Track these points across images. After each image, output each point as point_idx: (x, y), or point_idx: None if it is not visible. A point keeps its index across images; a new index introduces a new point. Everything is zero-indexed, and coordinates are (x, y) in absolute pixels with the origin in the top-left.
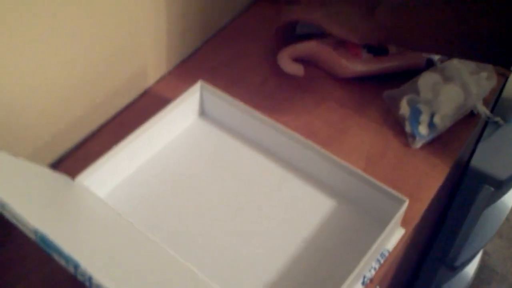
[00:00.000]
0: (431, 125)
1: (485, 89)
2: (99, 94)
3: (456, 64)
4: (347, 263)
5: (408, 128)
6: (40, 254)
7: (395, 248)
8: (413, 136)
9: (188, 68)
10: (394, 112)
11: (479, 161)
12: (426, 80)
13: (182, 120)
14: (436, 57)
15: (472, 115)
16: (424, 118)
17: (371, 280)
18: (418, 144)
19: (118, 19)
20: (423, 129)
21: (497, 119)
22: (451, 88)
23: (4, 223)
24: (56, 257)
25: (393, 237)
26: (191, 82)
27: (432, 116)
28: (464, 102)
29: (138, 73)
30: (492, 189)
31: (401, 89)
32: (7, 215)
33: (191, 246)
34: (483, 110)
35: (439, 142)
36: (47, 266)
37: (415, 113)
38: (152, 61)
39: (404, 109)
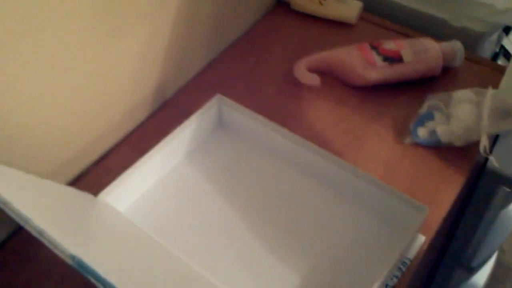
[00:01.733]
0: (433, 133)
1: (497, 128)
2: (119, 109)
3: (492, 95)
4: (369, 272)
5: (411, 125)
6: (61, 270)
7: (416, 255)
8: (411, 133)
9: (205, 79)
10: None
11: (495, 162)
12: (462, 95)
13: (201, 132)
14: None
15: None
16: (431, 124)
17: None
18: (407, 140)
19: (136, 35)
20: (421, 132)
21: (491, 158)
22: (468, 109)
23: (28, 239)
24: (92, 280)
25: (414, 245)
26: (207, 94)
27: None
28: (473, 127)
29: (157, 86)
30: (509, 190)
31: (446, 93)
32: (44, 240)
33: (212, 258)
34: (483, 145)
35: (455, 148)
36: (68, 282)
37: (427, 116)
38: (170, 74)
39: (422, 110)
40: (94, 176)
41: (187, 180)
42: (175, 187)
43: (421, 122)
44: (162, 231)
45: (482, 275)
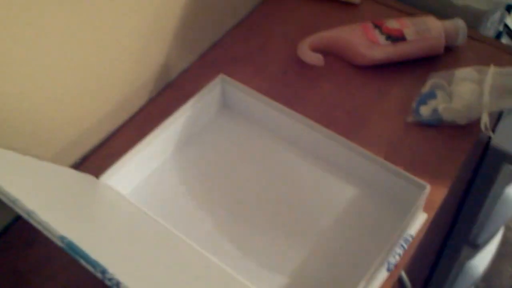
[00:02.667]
0: (435, 111)
1: (499, 105)
2: (123, 90)
3: (494, 72)
4: (371, 250)
5: (413, 104)
6: (67, 255)
7: (418, 233)
8: (413, 112)
9: (209, 60)
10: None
11: (499, 140)
12: (464, 73)
13: (205, 113)
14: None
15: None
16: (433, 103)
17: (396, 266)
18: (410, 119)
19: (140, 15)
20: (424, 110)
21: (492, 135)
22: (469, 87)
23: (30, 224)
24: (83, 262)
25: (416, 223)
26: (211, 75)
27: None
28: (474, 105)
29: (161, 67)
30: None
31: (449, 72)
32: (32, 222)
33: (216, 239)
34: (484, 122)
35: (457, 126)
36: (74, 266)
37: (429, 95)
38: (174, 55)
39: (424, 88)
40: (97, 159)
41: (190, 162)
42: (178, 169)
43: (424, 101)
44: (165, 213)
45: (488, 252)
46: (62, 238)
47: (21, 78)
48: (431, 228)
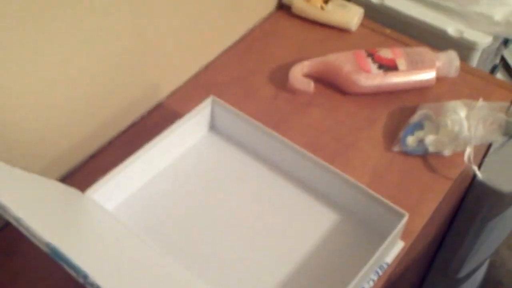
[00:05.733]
0: (422, 142)
1: (484, 138)
2: (111, 108)
3: (482, 106)
4: (347, 275)
5: (400, 134)
6: (48, 263)
7: (394, 261)
8: (399, 142)
9: (199, 83)
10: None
11: (485, 174)
12: (452, 106)
13: (193, 134)
14: None
15: None
16: (420, 134)
17: None
18: (396, 148)
19: (131, 35)
20: (410, 141)
21: (475, 168)
22: (456, 119)
23: (14, 232)
24: (66, 267)
25: (393, 251)
26: (202, 96)
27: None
28: (460, 137)
29: (150, 87)
30: (497, 202)
31: (439, 104)
32: (21, 228)
33: (197, 257)
34: (468, 155)
35: (443, 157)
36: (53, 277)
37: (417, 126)
38: (164, 75)
39: (413, 119)
40: (84, 174)
41: (176, 182)
42: (163, 188)
43: (411, 131)
44: (149, 231)
45: (470, 287)
46: (48, 244)
47: (13, 93)
48: (414, 257)
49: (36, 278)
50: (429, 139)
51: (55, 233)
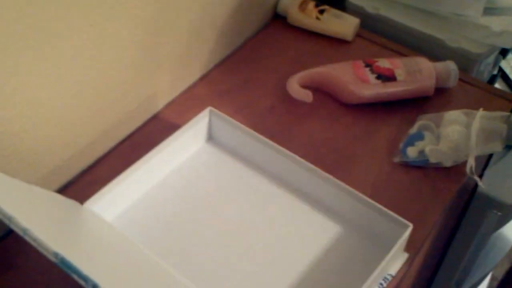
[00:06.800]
0: (422, 153)
1: (485, 148)
2: (109, 119)
3: (482, 116)
4: (350, 287)
5: (401, 145)
6: (45, 279)
7: (398, 272)
8: (400, 153)
9: (196, 94)
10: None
11: (486, 185)
12: (452, 116)
13: (190, 145)
14: None
15: None
16: (420, 144)
17: None
18: (396, 159)
19: (129, 47)
20: (411, 151)
21: (477, 179)
22: (456, 130)
23: (13, 247)
24: (75, 277)
25: (397, 262)
26: (199, 107)
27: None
28: (461, 148)
29: (148, 98)
30: (500, 214)
31: (438, 114)
32: (27, 239)
33: (197, 269)
34: (470, 166)
35: (444, 169)
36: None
37: (416, 136)
38: (161, 86)
39: (412, 129)
40: (82, 185)
41: (174, 193)
42: (161, 198)
43: (411, 142)
44: (148, 241)
45: None
46: (56, 254)
47: (11, 104)
48: (418, 269)
49: None
50: (430, 149)
51: (61, 243)
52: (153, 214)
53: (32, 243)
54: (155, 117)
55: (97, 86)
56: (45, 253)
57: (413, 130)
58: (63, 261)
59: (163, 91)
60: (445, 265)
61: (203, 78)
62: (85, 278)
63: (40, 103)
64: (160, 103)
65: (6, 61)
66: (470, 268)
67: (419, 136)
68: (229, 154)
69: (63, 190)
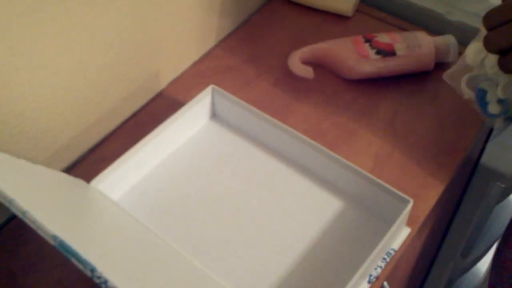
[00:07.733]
0: (500, 100)
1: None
2: (113, 98)
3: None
4: (353, 262)
5: (480, 113)
6: (57, 256)
7: (401, 247)
8: (489, 118)
9: (199, 71)
10: (460, 96)
11: (488, 158)
12: (473, 53)
13: (194, 123)
14: None
15: None
16: (490, 96)
17: (377, 278)
18: (496, 123)
19: (131, 23)
20: (492, 108)
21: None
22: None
23: (23, 224)
24: (73, 260)
25: (399, 237)
26: (203, 84)
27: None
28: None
29: (151, 76)
30: (503, 185)
31: (458, 64)
32: (27, 221)
33: (202, 247)
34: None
35: (446, 141)
36: (65, 266)
37: (480, 94)
38: (165, 64)
39: (467, 93)
40: (88, 164)
41: (179, 170)
42: (167, 176)
43: (484, 103)
44: (154, 220)
45: (478, 271)
46: (54, 237)
47: (16, 84)
48: (422, 243)
49: (49, 267)
50: (498, 91)
51: (61, 225)
52: (158, 192)
53: (31, 225)
54: (159, 95)
55: (101, 65)
56: (44, 236)
57: (470, 95)
58: (62, 244)
59: (167, 68)
60: (449, 238)
61: (206, 55)
62: (83, 262)
63: (43, 83)
64: (164, 81)
65: (7, 41)
66: (475, 240)
67: (482, 92)
68: (233, 131)
69: (71, 169)
